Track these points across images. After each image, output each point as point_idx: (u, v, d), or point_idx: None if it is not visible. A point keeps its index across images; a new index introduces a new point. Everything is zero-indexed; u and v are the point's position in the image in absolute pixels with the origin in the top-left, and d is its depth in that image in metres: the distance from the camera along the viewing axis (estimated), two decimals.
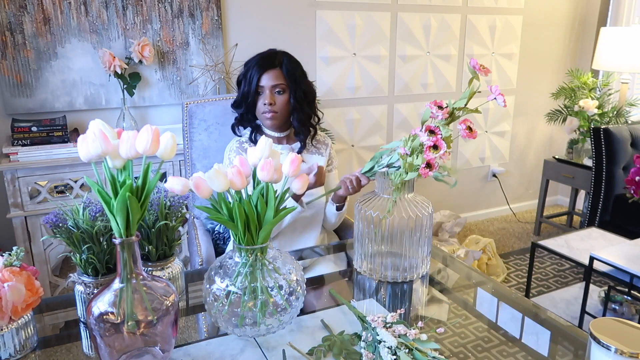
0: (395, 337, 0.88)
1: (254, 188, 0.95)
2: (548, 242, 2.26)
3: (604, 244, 2.22)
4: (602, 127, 2.80)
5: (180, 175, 1.99)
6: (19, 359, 0.92)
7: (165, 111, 2.55)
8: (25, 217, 2.06)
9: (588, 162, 3.12)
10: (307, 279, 1.02)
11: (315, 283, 1.27)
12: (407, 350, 0.85)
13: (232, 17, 2.60)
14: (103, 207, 0.80)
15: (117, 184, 0.80)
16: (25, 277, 0.92)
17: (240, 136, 1.65)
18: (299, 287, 0.97)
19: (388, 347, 0.86)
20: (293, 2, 2.73)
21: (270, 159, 0.92)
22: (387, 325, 0.91)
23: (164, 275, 1.09)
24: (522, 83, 3.61)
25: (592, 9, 3.63)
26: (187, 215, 1.19)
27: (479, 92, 1.13)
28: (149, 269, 1.09)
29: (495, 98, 1.09)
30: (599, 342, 0.75)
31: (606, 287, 2.17)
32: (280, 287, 0.94)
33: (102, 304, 0.82)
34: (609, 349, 0.74)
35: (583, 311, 2.06)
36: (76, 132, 2.30)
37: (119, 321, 0.81)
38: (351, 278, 1.31)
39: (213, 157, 1.80)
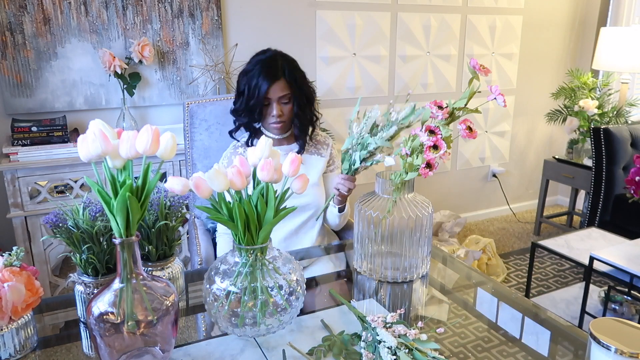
0: (395, 337, 0.88)
1: (254, 188, 0.95)
2: (548, 242, 2.26)
3: (604, 244, 2.22)
4: (602, 127, 2.80)
5: (181, 175, 2.00)
6: (19, 359, 0.92)
7: (165, 111, 2.55)
8: (25, 217, 2.06)
9: (588, 162, 3.12)
10: (307, 279, 1.02)
11: (315, 283, 1.27)
12: (407, 351, 0.85)
13: (232, 17, 2.60)
14: (103, 207, 0.80)
15: (117, 184, 0.80)
16: (25, 277, 0.92)
17: (238, 140, 1.65)
18: (299, 287, 0.97)
19: (388, 347, 0.86)
20: (293, 2, 2.73)
21: (270, 159, 0.92)
22: (387, 326, 0.91)
23: (164, 275, 1.09)
24: (522, 83, 3.61)
25: (592, 9, 3.63)
26: (187, 215, 1.19)
27: (479, 92, 1.13)
28: (149, 269, 1.09)
29: (495, 98, 1.09)
30: (599, 342, 0.75)
31: (606, 287, 2.17)
32: (280, 287, 0.94)
33: (102, 304, 0.82)
34: (609, 349, 0.74)
35: (583, 311, 2.06)
36: (76, 132, 2.30)
37: (119, 321, 0.81)
38: (351, 278, 1.31)
39: (214, 157, 1.80)
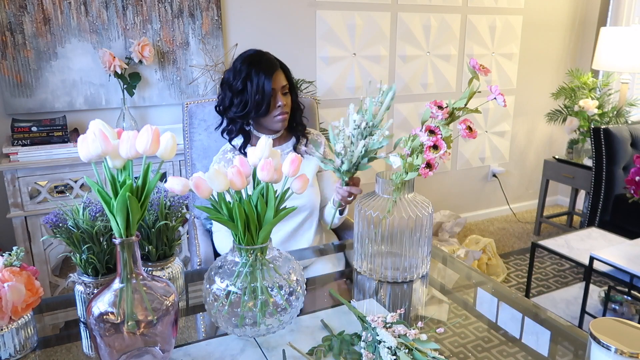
0: (395, 337, 0.88)
1: (254, 188, 0.95)
2: (548, 242, 2.26)
3: (604, 244, 2.22)
4: (602, 127, 2.80)
5: (181, 175, 2.00)
6: (19, 359, 0.92)
7: (165, 111, 2.55)
8: (25, 217, 2.06)
9: (588, 162, 3.12)
10: (307, 279, 1.02)
11: (315, 283, 1.27)
12: (407, 351, 0.85)
13: (232, 17, 2.60)
14: (103, 207, 0.80)
15: (117, 184, 0.80)
16: (25, 277, 0.92)
17: (232, 144, 1.62)
18: (299, 287, 0.97)
19: (388, 347, 0.85)
20: (293, 2, 2.73)
21: (270, 159, 0.92)
22: (387, 326, 0.91)
23: (164, 275, 1.09)
24: (522, 83, 3.61)
25: (592, 9, 3.63)
26: (187, 215, 1.19)
27: (479, 92, 1.13)
28: (149, 269, 1.09)
29: (495, 98, 1.09)
30: (599, 342, 0.75)
31: (606, 287, 2.17)
32: (280, 287, 0.94)
33: (102, 304, 0.82)
34: (609, 349, 0.74)
35: (583, 311, 2.06)
36: (76, 132, 2.30)
37: (119, 321, 0.81)
38: (351, 278, 1.31)
39: (213, 157, 1.80)
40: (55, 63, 2.27)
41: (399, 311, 0.98)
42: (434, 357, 0.85)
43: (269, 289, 0.93)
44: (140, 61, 2.30)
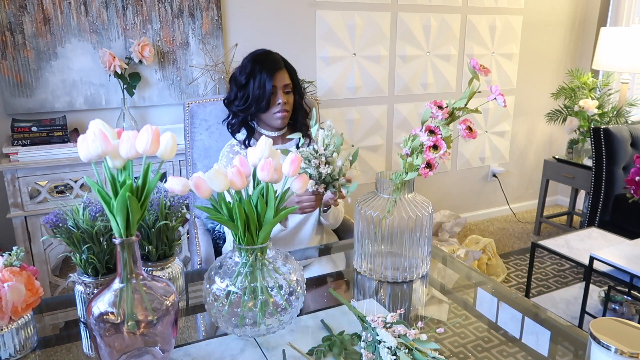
0: (395, 337, 0.88)
1: (254, 188, 0.95)
2: (548, 242, 2.26)
3: (604, 244, 2.22)
4: (602, 127, 2.80)
5: (181, 175, 2.00)
6: (19, 359, 0.92)
7: (165, 111, 2.55)
8: (25, 217, 2.06)
9: (588, 162, 3.12)
10: (307, 279, 1.02)
11: (315, 283, 1.27)
12: (407, 351, 0.85)
13: (232, 17, 2.60)
14: (103, 207, 0.80)
15: (117, 184, 0.80)
16: (25, 277, 0.92)
17: (236, 139, 1.66)
18: (299, 287, 0.97)
19: (388, 347, 0.85)
20: (293, 2, 2.73)
21: (270, 159, 0.92)
22: (387, 326, 0.91)
23: (164, 275, 1.09)
24: (522, 83, 3.61)
25: (592, 9, 3.63)
26: (188, 215, 1.19)
27: (479, 92, 1.13)
28: (149, 269, 1.09)
29: (495, 98, 1.09)
30: (599, 342, 0.75)
31: (606, 287, 2.17)
32: (280, 287, 0.94)
33: (102, 304, 0.82)
34: (609, 349, 0.74)
35: (583, 311, 2.06)
36: (76, 132, 2.30)
37: (119, 321, 0.81)
38: (351, 278, 1.31)
39: (214, 157, 1.80)
40: (55, 63, 2.27)
41: (399, 311, 0.98)
42: (434, 357, 0.85)
43: (269, 289, 0.93)
44: (140, 61, 2.30)
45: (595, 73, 3.48)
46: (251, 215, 0.90)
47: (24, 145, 2.07)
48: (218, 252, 1.74)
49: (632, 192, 1.72)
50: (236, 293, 0.92)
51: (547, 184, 3.42)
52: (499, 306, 1.17)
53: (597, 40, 3.19)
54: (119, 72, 2.26)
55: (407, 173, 1.15)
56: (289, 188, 0.96)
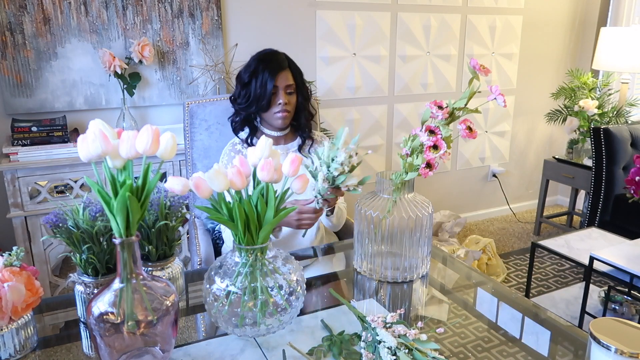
0: (395, 337, 0.88)
1: (254, 188, 0.95)
2: (548, 242, 2.26)
3: (604, 244, 2.22)
4: (602, 127, 2.80)
5: (181, 175, 2.00)
6: (19, 359, 0.92)
7: (165, 111, 2.55)
8: (25, 217, 2.06)
9: (588, 162, 3.12)
10: (307, 279, 1.02)
11: (315, 283, 1.27)
12: (407, 351, 0.85)
13: (232, 17, 2.60)
14: (103, 207, 0.80)
15: (117, 184, 0.80)
16: (25, 277, 0.92)
17: (239, 137, 1.67)
18: (299, 287, 0.97)
19: (388, 348, 0.85)
20: (293, 2, 2.73)
21: (270, 159, 0.92)
22: (387, 326, 0.91)
23: (164, 275, 1.09)
24: (522, 83, 3.61)
25: (592, 9, 3.63)
26: (187, 215, 1.19)
27: (479, 92, 1.13)
28: (149, 269, 1.09)
29: (495, 98, 1.09)
30: (599, 342, 0.75)
31: (606, 287, 2.17)
32: (280, 287, 0.94)
33: (102, 304, 0.82)
34: (609, 349, 0.74)
35: (583, 311, 2.06)
36: (76, 132, 2.30)
37: (119, 321, 0.81)
38: (351, 278, 1.31)
39: (214, 157, 1.80)
40: (55, 63, 2.27)
41: (399, 311, 0.98)
42: (434, 357, 0.85)
43: (269, 289, 0.93)
44: (140, 61, 2.30)
45: (595, 73, 3.48)
46: (251, 215, 0.90)
47: (24, 145, 2.07)
48: (218, 252, 1.74)
49: (632, 192, 1.72)
50: (236, 293, 0.92)
51: (547, 184, 3.43)
52: (499, 306, 1.17)
53: (597, 40, 3.19)
54: (119, 72, 2.26)
55: (407, 173, 1.15)
56: (289, 188, 0.96)
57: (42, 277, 2.11)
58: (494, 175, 3.71)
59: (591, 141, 2.85)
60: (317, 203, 1.28)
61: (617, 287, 2.15)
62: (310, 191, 1.26)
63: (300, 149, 1.65)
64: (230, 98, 1.66)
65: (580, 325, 2.05)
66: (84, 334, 1.02)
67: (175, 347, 0.93)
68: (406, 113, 3.22)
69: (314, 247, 1.57)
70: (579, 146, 3.28)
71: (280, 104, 1.55)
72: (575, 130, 3.24)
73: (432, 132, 1.11)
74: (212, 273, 0.95)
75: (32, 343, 0.95)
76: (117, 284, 0.83)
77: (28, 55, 2.22)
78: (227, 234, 1.62)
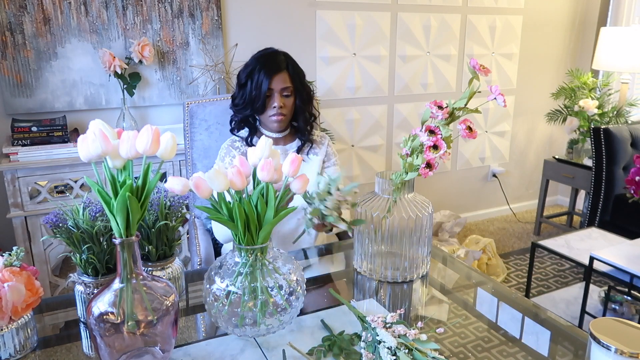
0: (395, 337, 0.88)
1: (254, 188, 0.95)
2: (548, 242, 2.26)
3: (604, 244, 2.22)
4: (602, 127, 2.80)
5: (181, 175, 2.00)
6: (19, 359, 0.92)
7: (165, 111, 2.55)
8: (25, 217, 2.06)
9: (588, 162, 3.12)
10: (307, 279, 1.02)
11: (315, 283, 1.27)
12: (406, 351, 0.85)
13: (232, 17, 2.60)
14: (103, 207, 0.80)
15: (117, 184, 0.80)
16: (25, 277, 0.92)
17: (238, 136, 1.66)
18: (299, 287, 0.97)
19: (388, 348, 0.85)
20: (293, 2, 2.73)
21: (270, 159, 0.92)
22: (387, 326, 0.91)
23: (164, 275, 1.09)
24: (522, 83, 3.61)
25: (592, 9, 3.63)
26: (187, 215, 1.19)
27: (479, 92, 1.13)
28: (149, 269, 1.09)
29: (495, 98, 1.09)
30: (599, 342, 0.75)
31: (606, 287, 2.17)
32: (280, 287, 0.94)
33: (102, 304, 0.82)
34: (609, 349, 0.74)
35: (583, 311, 2.06)
36: (76, 132, 2.30)
37: (119, 321, 0.81)
38: (351, 278, 1.31)
39: (214, 157, 1.80)
40: (55, 63, 2.27)
41: (399, 311, 0.98)
42: (433, 357, 0.85)
43: (269, 289, 0.93)
44: (140, 61, 2.30)
45: (595, 73, 3.48)
46: (251, 215, 0.90)
47: (24, 145, 2.07)
48: (218, 252, 1.74)
49: (632, 192, 1.73)
50: (236, 293, 0.92)
51: (547, 184, 3.42)
52: (499, 306, 1.17)
53: (597, 40, 3.19)
54: (119, 72, 2.26)
55: (407, 173, 1.15)
56: (288, 188, 0.96)
57: (42, 277, 2.11)
58: (494, 175, 3.71)
59: (591, 141, 2.85)
60: (306, 228, 1.18)
61: (617, 287, 2.15)
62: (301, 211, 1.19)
63: (299, 150, 1.63)
64: (231, 97, 1.65)
65: (580, 325, 2.05)
66: (84, 334, 1.02)
67: (175, 347, 0.93)
68: (406, 113, 3.22)
69: (313, 247, 1.56)
70: (579, 146, 3.28)
71: (275, 107, 1.52)
72: (575, 130, 3.24)
73: (432, 132, 1.11)
74: (212, 273, 0.95)
75: (32, 343, 0.95)
76: (117, 284, 0.83)
77: (28, 55, 2.22)
78: (216, 227, 1.56)
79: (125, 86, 2.33)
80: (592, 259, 1.96)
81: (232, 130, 1.64)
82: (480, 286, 1.27)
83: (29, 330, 0.94)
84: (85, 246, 0.97)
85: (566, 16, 3.65)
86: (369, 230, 1.20)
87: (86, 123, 2.27)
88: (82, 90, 2.34)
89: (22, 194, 2.04)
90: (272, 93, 1.52)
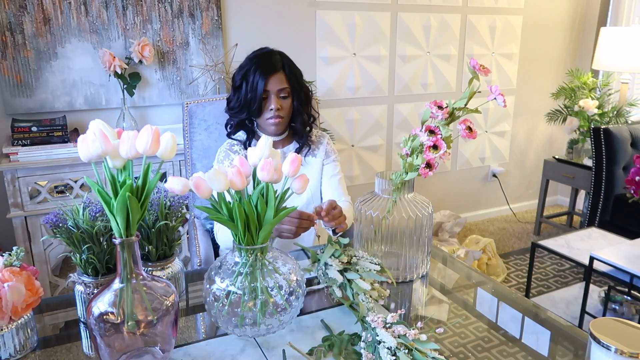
0: (394, 337, 0.87)
1: (254, 188, 0.95)
2: (548, 242, 2.26)
3: (604, 244, 2.22)
4: (602, 127, 2.80)
5: (181, 175, 2.00)
6: (19, 359, 0.92)
7: (165, 111, 2.55)
8: (25, 217, 2.06)
9: (588, 162, 3.12)
10: (307, 279, 1.02)
11: (316, 283, 1.27)
12: (406, 351, 0.85)
13: (232, 17, 2.60)
14: (103, 207, 0.80)
15: (117, 184, 0.80)
16: (25, 277, 0.92)
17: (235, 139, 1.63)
18: (298, 287, 0.97)
19: (388, 348, 0.85)
20: (293, 2, 2.73)
21: (270, 159, 0.92)
22: (387, 326, 0.91)
23: (164, 275, 1.09)
24: (522, 83, 3.61)
25: (592, 9, 3.63)
26: (187, 215, 1.18)
27: (479, 92, 1.13)
28: (149, 269, 1.09)
29: (495, 98, 1.09)
30: (599, 342, 0.75)
31: (606, 287, 2.17)
32: (280, 287, 0.94)
33: (102, 304, 0.82)
34: (609, 349, 0.74)
35: (583, 311, 2.06)
36: (76, 132, 2.30)
37: (119, 321, 0.81)
38: None
39: (213, 157, 1.80)
40: (55, 63, 2.27)
41: (399, 311, 0.98)
42: (433, 357, 0.85)
43: (269, 289, 0.93)
44: (140, 61, 2.30)
45: (595, 73, 3.48)
46: (251, 215, 0.90)
47: (24, 145, 2.07)
48: (217, 252, 1.74)
49: (632, 192, 1.73)
50: (236, 293, 0.92)
51: (547, 184, 3.43)
52: (499, 306, 1.17)
53: (597, 40, 3.19)
54: (119, 72, 2.26)
55: (407, 173, 1.15)
56: (289, 188, 0.96)
57: (42, 277, 2.11)
58: (494, 175, 3.71)
59: (591, 141, 2.85)
60: (318, 280, 1.12)
61: (617, 287, 2.15)
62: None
63: (297, 153, 1.61)
64: (226, 101, 1.59)
65: (580, 325, 2.05)
66: (84, 334, 1.02)
67: (175, 347, 0.93)
68: (406, 113, 3.22)
69: (313, 247, 1.56)
70: (579, 146, 3.28)
71: (272, 109, 1.47)
72: (575, 130, 3.24)
73: (432, 132, 1.11)
74: (212, 273, 0.95)
75: (32, 343, 0.95)
76: (117, 284, 0.83)
77: (28, 55, 2.22)
78: (219, 235, 1.52)
79: (125, 86, 2.33)
80: (592, 259, 1.96)
81: (228, 135, 1.60)
82: (480, 286, 1.27)
83: (29, 330, 0.94)
84: (85, 246, 0.97)
85: (566, 16, 3.65)
86: (369, 230, 1.20)
87: (86, 123, 2.27)
88: (82, 90, 2.34)
89: (22, 194, 2.04)
90: (269, 95, 1.47)
